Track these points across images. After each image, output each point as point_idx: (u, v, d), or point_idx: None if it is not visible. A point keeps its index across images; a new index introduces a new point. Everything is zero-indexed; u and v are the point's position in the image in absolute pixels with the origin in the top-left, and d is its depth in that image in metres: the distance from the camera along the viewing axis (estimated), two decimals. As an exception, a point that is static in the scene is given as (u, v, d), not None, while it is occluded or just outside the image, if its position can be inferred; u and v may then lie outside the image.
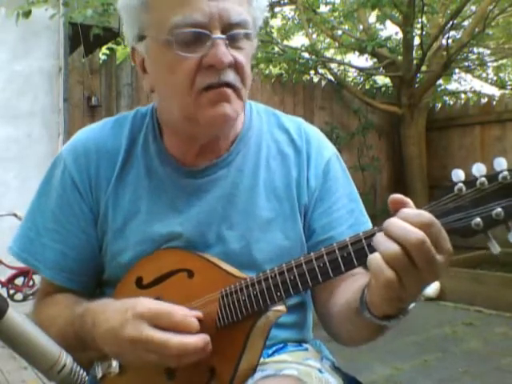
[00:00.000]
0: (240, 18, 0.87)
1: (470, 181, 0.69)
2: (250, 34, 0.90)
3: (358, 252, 0.74)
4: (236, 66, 0.89)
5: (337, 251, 0.76)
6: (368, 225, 1.05)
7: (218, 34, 0.85)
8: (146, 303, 0.83)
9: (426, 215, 0.68)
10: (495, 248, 0.69)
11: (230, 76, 0.88)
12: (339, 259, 0.76)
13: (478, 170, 0.69)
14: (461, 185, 0.69)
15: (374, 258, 0.69)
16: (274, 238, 0.99)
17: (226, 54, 0.85)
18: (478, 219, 0.68)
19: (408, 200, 0.71)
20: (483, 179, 0.68)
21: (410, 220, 0.68)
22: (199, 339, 0.82)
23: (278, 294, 0.81)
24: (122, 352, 0.84)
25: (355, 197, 1.07)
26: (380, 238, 0.69)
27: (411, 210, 0.69)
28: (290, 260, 0.83)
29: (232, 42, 0.87)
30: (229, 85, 0.88)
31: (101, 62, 5.32)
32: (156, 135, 1.02)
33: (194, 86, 0.88)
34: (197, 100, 0.88)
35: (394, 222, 0.69)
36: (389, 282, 0.68)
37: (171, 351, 0.80)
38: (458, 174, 0.70)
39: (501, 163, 0.67)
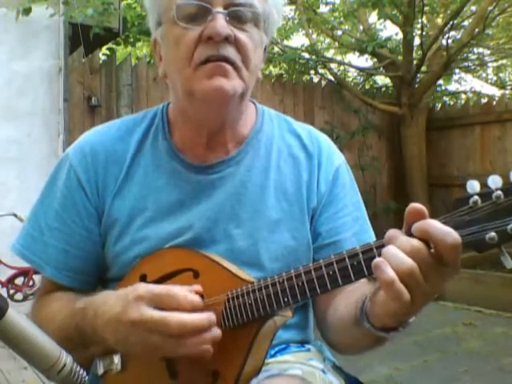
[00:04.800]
0: None
1: (485, 193, 0.67)
2: (258, 19, 0.92)
3: (368, 261, 0.73)
4: (237, 44, 0.90)
5: (347, 259, 0.75)
6: (371, 233, 1.07)
7: (219, 9, 0.88)
8: (148, 286, 0.83)
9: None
10: (508, 263, 0.67)
11: (229, 51, 0.89)
12: (349, 268, 0.75)
13: (494, 182, 0.66)
14: (476, 197, 0.67)
15: (388, 272, 0.68)
16: (281, 238, 1.00)
17: (223, 26, 0.87)
18: (493, 233, 0.66)
19: (425, 212, 0.70)
20: (499, 192, 0.66)
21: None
22: (202, 317, 0.80)
23: (286, 299, 0.81)
24: (124, 338, 0.82)
25: (360, 205, 1.09)
26: (393, 251, 0.69)
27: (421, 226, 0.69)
28: (295, 261, 0.82)
29: (235, 20, 0.90)
30: (228, 60, 0.89)
31: (101, 62, 5.31)
32: (166, 133, 1.03)
33: (193, 59, 0.89)
34: (195, 73, 0.90)
35: (406, 241, 0.69)
36: (401, 297, 0.68)
37: (172, 329, 0.78)
38: (473, 186, 0.68)
39: None
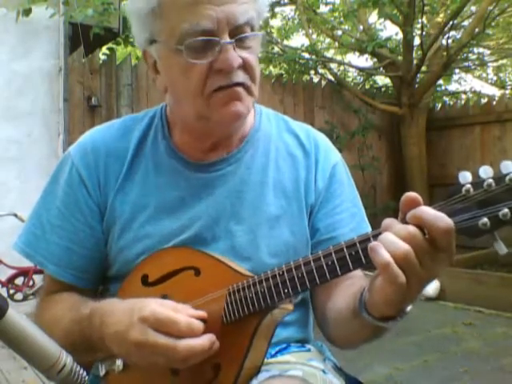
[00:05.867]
0: (246, 17, 0.89)
1: (477, 182, 0.70)
2: (255, 28, 0.92)
3: (366, 250, 0.75)
4: (245, 66, 0.91)
5: (345, 249, 0.77)
6: (368, 229, 1.07)
7: (226, 39, 0.88)
8: (152, 307, 0.83)
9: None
10: (501, 249, 0.70)
11: (240, 76, 0.91)
12: (347, 257, 0.77)
13: (485, 172, 0.69)
14: (468, 186, 0.70)
15: (383, 254, 0.70)
16: (281, 234, 1.01)
17: (234, 57, 0.88)
18: (485, 219, 0.69)
19: (420, 200, 0.72)
20: (490, 181, 0.68)
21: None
22: (205, 341, 0.82)
23: (286, 290, 0.82)
24: (129, 354, 0.84)
25: (357, 202, 1.10)
26: (389, 237, 0.71)
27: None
28: (293, 257, 0.84)
29: (240, 43, 0.90)
30: (239, 84, 0.91)
31: (101, 62, 5.31)
32: (165, 133, 1.05)
33: (205, 89, 0.90)
34: (209, 100, 0.91)
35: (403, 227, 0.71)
36: (397, 280, 0.70)
37: (179, 355, 0.80)
38: (466, 176, 0.71)
39: (508, 166, 0.68)
